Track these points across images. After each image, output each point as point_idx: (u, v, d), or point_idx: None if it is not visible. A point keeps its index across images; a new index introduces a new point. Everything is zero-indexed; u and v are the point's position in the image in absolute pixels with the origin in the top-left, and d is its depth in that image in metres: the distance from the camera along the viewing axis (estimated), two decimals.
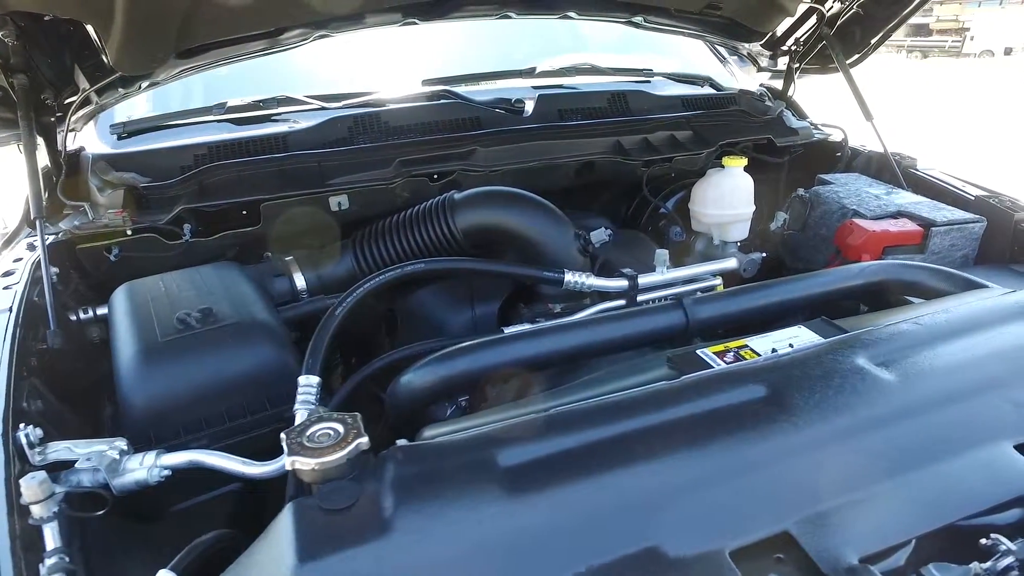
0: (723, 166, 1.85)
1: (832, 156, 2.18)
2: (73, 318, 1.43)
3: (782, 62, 2.32)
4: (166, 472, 0.97)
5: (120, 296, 1.34)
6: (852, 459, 0.79)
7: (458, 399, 1.32)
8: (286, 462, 0.75)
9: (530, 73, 2.08)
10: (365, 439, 0.76)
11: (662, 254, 1.42)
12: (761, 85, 2.41)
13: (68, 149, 1.70)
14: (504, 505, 0.71)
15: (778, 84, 2.35)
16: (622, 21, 1.97)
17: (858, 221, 1.66)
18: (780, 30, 2.21)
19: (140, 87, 1.65)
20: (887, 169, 1.99)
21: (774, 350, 1.00)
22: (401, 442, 0.81)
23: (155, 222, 1.57)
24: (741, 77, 2.50)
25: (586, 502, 0.72)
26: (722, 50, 2.56)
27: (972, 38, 21.40)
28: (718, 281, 1.53)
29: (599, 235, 1.44)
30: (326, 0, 1.60)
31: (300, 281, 1.49)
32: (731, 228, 1.86)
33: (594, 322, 1.15)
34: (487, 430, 0.80)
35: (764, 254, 1.90)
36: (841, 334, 1.03)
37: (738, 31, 2.11)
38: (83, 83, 1.58)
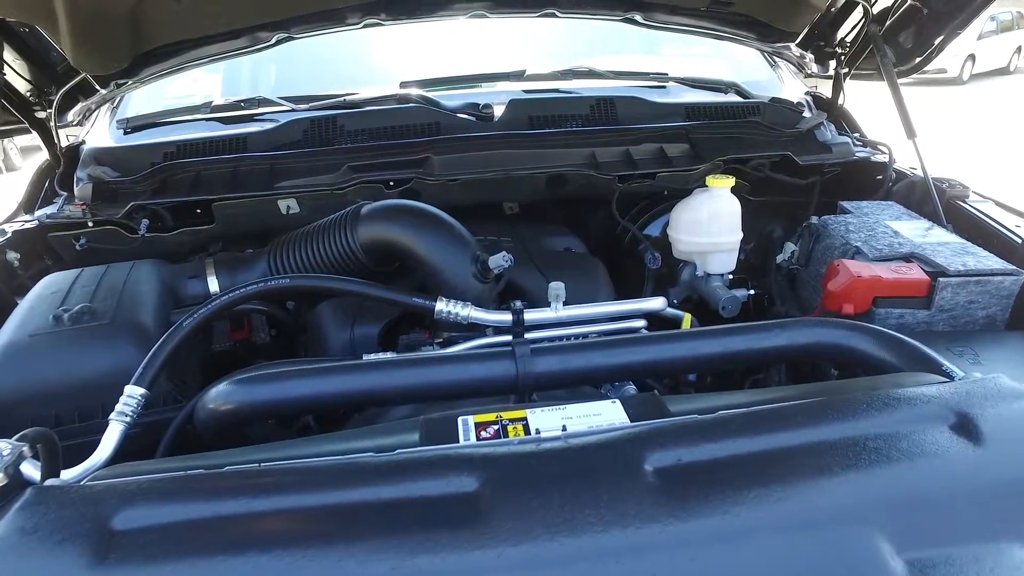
0: (707, 186, 1.60)
1: (874, 179, 1.82)
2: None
3: (831, 66, 1.98)
4: None
5: (36, 286, 1.40)
6: None
7: None
8: None
9: (519, 76, 1.92)
10: None
11: (556, 287, 1.22)
12: (807, 93, 2.08)
13: (65, 143, 1.83)
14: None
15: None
16: (616, 19, 1.76)
17: (847, 262, 1.35)
18: (821, 29, 1.88)
19: (117, 85, 1.73)
20: (931, 199, 1.62)
21: (538, 431, 0.80)
22: (51, 481, 0.74)
23: (112, 216, 1.63)
24: (792, 84, 2.16)
25: None
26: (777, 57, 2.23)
27: None
28: (641, 323, 1.30)
29: (497, 260, 1.28)
30: (279, 1, 1.59)
31: (213, 284, 1.47)
32: (712, 258, 1.60)
33: (406, 364, 1.00)
34: (130, 482, 0.71)
35: (752, 291, 1.63)
36: (657, 419, 0.80)
37: (762, 30, 1.81)
38: (63, 83, 1.69)
